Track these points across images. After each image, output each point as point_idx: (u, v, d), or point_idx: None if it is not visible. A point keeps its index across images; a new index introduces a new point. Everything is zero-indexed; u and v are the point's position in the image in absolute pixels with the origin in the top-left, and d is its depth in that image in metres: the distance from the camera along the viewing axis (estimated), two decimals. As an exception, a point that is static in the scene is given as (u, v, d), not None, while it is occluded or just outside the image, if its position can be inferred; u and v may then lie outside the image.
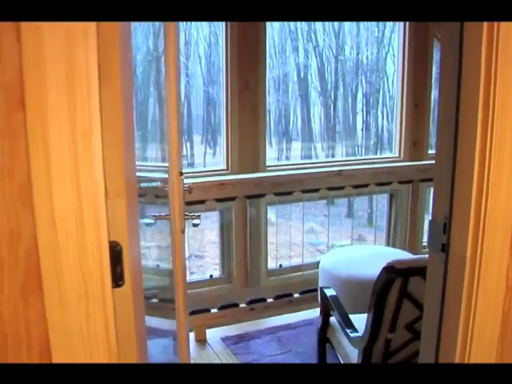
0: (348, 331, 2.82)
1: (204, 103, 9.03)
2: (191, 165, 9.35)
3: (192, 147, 9.41)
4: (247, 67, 4.04)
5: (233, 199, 3.93)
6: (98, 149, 1.30)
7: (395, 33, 9.41)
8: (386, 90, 9.97)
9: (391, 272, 2.47)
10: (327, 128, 9.93)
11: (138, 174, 1.77)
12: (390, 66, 9.72)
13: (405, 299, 2.51)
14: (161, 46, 2.89)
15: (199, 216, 2.56)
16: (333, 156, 9.77)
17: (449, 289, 1.78)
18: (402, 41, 4.64)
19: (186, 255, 7.89)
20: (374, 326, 2.58)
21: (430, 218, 1.90)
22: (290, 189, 4.03)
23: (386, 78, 9.83)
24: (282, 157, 9.78)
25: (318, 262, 4.29)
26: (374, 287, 2.54)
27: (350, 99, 9.85)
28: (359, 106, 9.92)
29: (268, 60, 9.77)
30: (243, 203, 4.00)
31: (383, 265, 2.77)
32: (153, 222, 2.70)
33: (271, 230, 4.47)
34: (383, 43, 9.57)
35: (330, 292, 3.16)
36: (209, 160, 9.13)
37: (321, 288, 3.32)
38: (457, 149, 1.69)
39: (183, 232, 2.55)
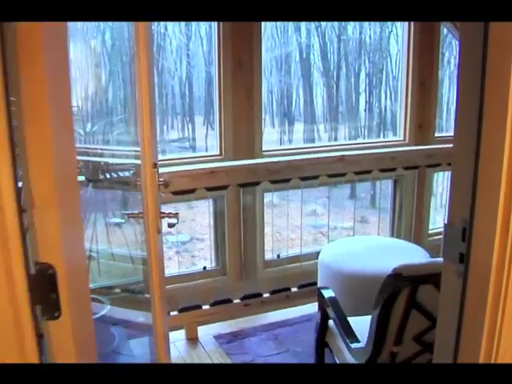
0: (348, 341, 2.43)
1: (206, 84, 8.65)
2: (193, 148, 8.99)
3: (194, 130, 9.04)
4: (241, 44, 3.63)
5: (225, 188, 3.54)
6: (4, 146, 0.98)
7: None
8: (389, 70, 9.63)
9: (399, 280, 2.08)
10: (330, 109, 9.58)
11: (111, 160, 1.40)
12: (394, 46, 9.39)
13: (413, 309, 2.13)
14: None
15: (177, 214, 2.16)
16: (335, 139, 9.41)
17: (469, 305, 1.40)
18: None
19: (188, 238, 7.54)
20: (378, 339, 2.20)
21: (446, 222, 1.50)
22: (287, 176, 3.62)
23: (389, 58, 9.48)
24: (284, 139, 9.43)
25: (318, 253, 3.92)
26: (379, 295, 2.15)
27: (352, 79, 9.49)
28: (362, 86, 9.58)
29: (270, 40, 9.44)
30: (237, 191, 3.61)
31: (388, 259, 2.40)
32: (123, 221, 2.33)
33: (268, 215, 4.09)
34: (386, 22, 9.27)
35: (328, 293, 2.77)
36: (211, 142, 8.76)
37: (318, 289, 2.93)
38: (480, 138, 1.30)
39: (159, 232, 2.16)
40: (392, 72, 9.56)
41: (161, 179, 2.13)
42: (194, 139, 9.01)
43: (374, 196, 7.47)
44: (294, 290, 3.82)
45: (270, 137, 9.44)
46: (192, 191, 3.37)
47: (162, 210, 2.15)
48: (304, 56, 9.23)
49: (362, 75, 9.48)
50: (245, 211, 3.71)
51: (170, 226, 2.14)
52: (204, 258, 6.29)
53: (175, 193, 3.30)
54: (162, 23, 8.70)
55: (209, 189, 3.44)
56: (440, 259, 1.56)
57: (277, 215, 5.41)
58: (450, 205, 1.50)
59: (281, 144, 9.38)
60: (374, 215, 8.14)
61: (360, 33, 9.32)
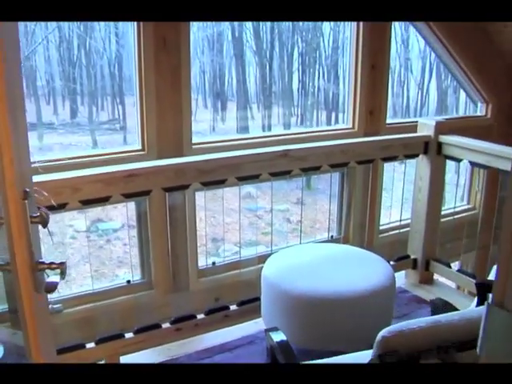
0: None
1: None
2: (123, 129, 8.21)
3: (124, 111, 8.21)
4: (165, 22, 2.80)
5: (146, 193, 2.70)
6: None
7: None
8: (321, 50, 9.00)
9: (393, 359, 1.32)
10: (263, 88, 8.89)
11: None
12: (326, 25, 8.78)
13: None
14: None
15: (62, 265, 1.34)
16: (269, 117, 8.72)
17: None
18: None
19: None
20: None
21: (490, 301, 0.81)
22: (222, 176, 2.77)
23: (322, 38, 8.84)
24: (216, 123, 8.71)
25: (259, 258, 3.18)
26: None
27: (285, 59, 8.80)
28: (295, 65, 8.92)
29: (200, 18, 8.61)
30: (160, 196, 2.79)
31: (344, 274, 1.73)
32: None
33: (201, 213, 3.30)
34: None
35: (278, 336, 2.01)
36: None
37: (266, 330, 2.17)
38: None
39: (38, 290, 1.34)
40: (325, 51, 8.97)
41: (35, 214, 1.30)
42: (124, 120, 8.22)
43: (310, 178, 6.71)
44: (232, 307, 3.04)
45: (203, 119, 8.75)
46: (106, 199, 2.53)
47: (42, 260, 1.34)
48: (236, 35, 8.53)
49: (295, 54, 8.85)
50: (171, 213, 2.90)
51: (50, 289, 1.33)
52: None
53: (85, 202, 2.47)
54: None
55: (127, 195, 2.60)
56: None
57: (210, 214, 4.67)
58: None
59: (213, 129, 8.67)
60: (309, 196, 7.50)
61: None
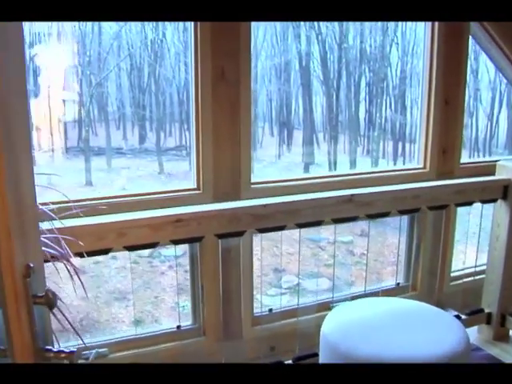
0: None
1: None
2: (189, 155, 8.08)
3: (191, 139, 8.04)
4: (223, 50, 2.54)
5: (198, 240, 2.40)
6: None
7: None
8: (389, 80, 8.67)
9: None
10: (329, 118, 8.60)
11: None
12: (394, 54, 8.48)
13: None
14: None
15: (73, 354, 1.05)
16: (335, 147, 8.40)
17: None
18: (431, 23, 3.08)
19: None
20: None
21: None
22: (280, 222, 2.45)
23: (389, 67, 8.53)
24: (282, 150, 8.49)
25: (319, 306, 2.86)
26: None
27: (352, 88, 8.50)
28: (362, 95, 8.61)
29: (269, 47, 8.46)
30: (213, 242, 2.49)
31: (414, 336, 1.88)
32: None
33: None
34: (388, 30, 8.36)
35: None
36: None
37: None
38: None
39: None
40: (392, 81, 8.63)
41: (40, 294, 1.02)
42: (191, 147, 8.08)
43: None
44: (288, 362, 2.70)
45: (269, 146, 8.57)
46: (153, 245, 2.26)
47: (50, 348, 1.05)
48: (304, 64, 8.29)
49: (363, 84, 8.54)
50: (226, 257, 2.61)
51: None
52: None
53: (130, 248, 2.20)
54: (160, 31, 7.87)
55: (176, 241, 2.31)
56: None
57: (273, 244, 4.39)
58: None
59: (279, 157, 8.47)
60: (376, 228, 7.12)
61: (361, 41, 8.40)
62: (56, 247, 1.63)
